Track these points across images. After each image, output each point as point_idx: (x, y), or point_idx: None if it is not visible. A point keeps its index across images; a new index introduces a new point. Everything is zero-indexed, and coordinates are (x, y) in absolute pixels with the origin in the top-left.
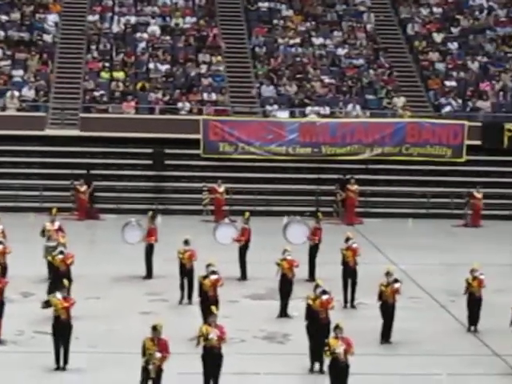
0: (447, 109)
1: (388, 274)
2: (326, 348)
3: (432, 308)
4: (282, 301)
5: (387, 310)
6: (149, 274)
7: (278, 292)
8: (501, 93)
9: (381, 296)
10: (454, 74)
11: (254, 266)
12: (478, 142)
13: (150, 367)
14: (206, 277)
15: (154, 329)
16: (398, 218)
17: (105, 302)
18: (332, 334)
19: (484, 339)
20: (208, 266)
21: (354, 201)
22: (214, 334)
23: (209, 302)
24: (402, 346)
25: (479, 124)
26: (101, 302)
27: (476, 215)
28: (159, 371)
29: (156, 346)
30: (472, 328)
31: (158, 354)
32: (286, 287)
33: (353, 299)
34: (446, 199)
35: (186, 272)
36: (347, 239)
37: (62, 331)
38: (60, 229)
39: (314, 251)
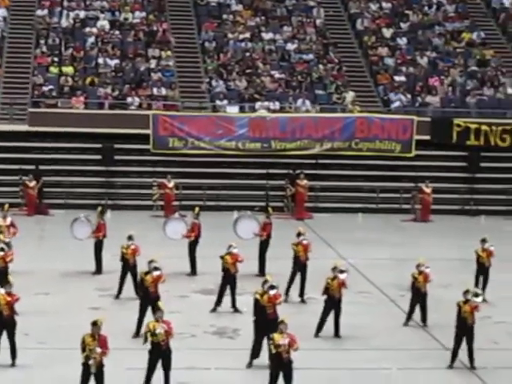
0: (396, 104)
1: (335, 268)
2: (270, 342)
3: (381, 303)
4: (220, 295)
5: (333, 305)
6: (98, 270)
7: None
8: (450, 88)
9: (327, 290)
10: (403, 69)
11: (203, 261)
12: (427, 137)
13: (91, 362)
14: (147, 273)
15: (94, 324)
16: (348, 213)
17: (54, 297)
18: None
19: (433, 333)
20: (150, 262)
21: (304, 196)
22: (161, 329)
23: (149, 299)
24: (351, 340)
25: (428, 119)
26: (50, 298)
27: (425, 210)
28: (100, 366)
29: (96, 341)
30: (409, 322)
31: (99, 350)
32: (228, 282)
33: (302, 294)
34: (395, 194)
35: (129, 267)
36: (298, 234)
37: (5, 327)
38: (12, 224)
39: (264, 246)
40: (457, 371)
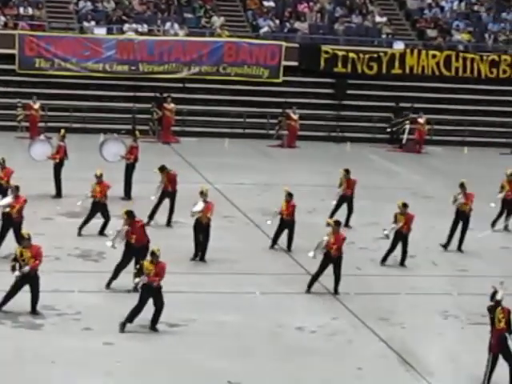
0: (265, 29)
1: (202, 193)
2: (138, 268)
3: (247, 227)
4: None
5: (201, 230)
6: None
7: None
8: (318, 14)
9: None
10: None
11: (69, 183)
12: (295, 64)
13: None
14: None
15: None
16: (215, 138)
17: None
18: (148, 258)
19: (297, 258)
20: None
21: (171, 119)
22: (28, 255)
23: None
24: (216, 264)
25: (296, 45)
26: None
27: (291, 136)
28: None
29: None
30: (276, 247)
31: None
32: (97, 208)
33: (170, 219)
34: (262, 119)
35: None
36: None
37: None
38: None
39: (130, 169)
40: (320, 296)
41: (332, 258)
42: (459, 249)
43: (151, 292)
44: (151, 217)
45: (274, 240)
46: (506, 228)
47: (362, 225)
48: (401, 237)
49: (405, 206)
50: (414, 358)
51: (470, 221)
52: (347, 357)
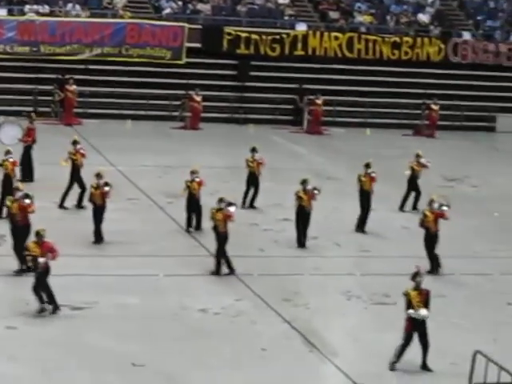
0: (167, 11)
1: (98, 175)
2: (27, 252)
3: (150, 209)
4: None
5: (97, 213)
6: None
7: None
8: None
9: (91, 198)
10: None
11: None
12: (198, 45)
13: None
14: None
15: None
16: (117, 120)
17: None
18: (33, 239)
19: (200, 240)
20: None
21: (73, 101)
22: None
23: None
24: (119, 246)
25: (199, 27)
26: None
27: (194, 118)
28: None
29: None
30: (190, 229)
31: None
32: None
33: (80, 203)
34: (165, 101)
35: None
36: (74, 142)
37: None
38: None
39: (28, 152)
40: (224, 278)
41: (220, 234)
42: (362, 230)
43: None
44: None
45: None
46: (414, 208)
47: (266, 206)
48: (302, 213)
49: (304, 182)
50: (318, 339)
51: (371, 201)
52: (251, 338)
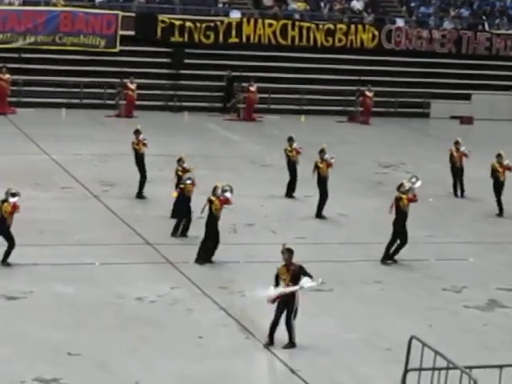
0: None
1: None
2: None
3: (85, 198)
4: None
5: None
6: None
7: None
8: None
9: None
10: None
11: None
12: (132, 33)
13: None
14: None
15: None
16: (52, 108)
17: None
18: None
19: (136, 228)
20: None
21: (6, 90)
22: None
23: None
24: (53, 235)
25: (133, 14)
26: None
27: (129, 106)
28: None
29: None
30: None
31: None
32: None
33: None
34: (99, 89)
35: None
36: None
37: None
38: None
39: None
40: (159, 265)
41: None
42: (320, 215)
43: None
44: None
45: None
46: None
47: (201, 193)
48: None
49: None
50: (254, 326)
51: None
52: (188, 326)
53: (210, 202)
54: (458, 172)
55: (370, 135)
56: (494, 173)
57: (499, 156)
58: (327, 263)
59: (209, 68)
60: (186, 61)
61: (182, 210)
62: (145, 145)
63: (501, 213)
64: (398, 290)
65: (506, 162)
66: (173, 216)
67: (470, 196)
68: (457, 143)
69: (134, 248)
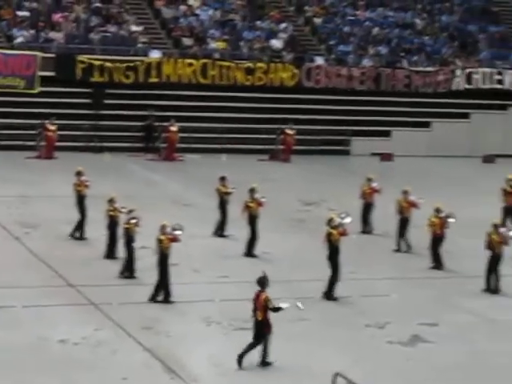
0: (20, 39)
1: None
2: None
3: (6, 240)
4: None
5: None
6: None
7: None
8: (74, 24)
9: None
10: (27, 4)
11: None
12: (52, 74)
13: None
14: None
15: None
16: None
17: None
18: None
19: (58, 270)
20: None
21: None
22: None
23: None
24: None
25: (52, 55)
26: None
27: (49, 147)
28: None
29: None
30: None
31: None
32: None
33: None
34: (19, 131)
35: None
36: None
37: None
38: None
39: None
40: (82, 307)
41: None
42: (251, 254)
43: None
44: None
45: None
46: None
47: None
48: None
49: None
50: (179, 366)
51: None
52: (112, 367)
53: (159, 241)
54: (368, 208)
55: (291, 173)
56: (400, 209)
57: (405, 192)
58: (251, 302)
59: (129, 108)
60: (107, 101)
61: (127, 250)
62: (86, 186)
63: (398, 248)
64: (323, 326)
65: (411, 197)
66: (108, 256)
67: (391, 232)
68: (369, 180)
69: (56, 290)
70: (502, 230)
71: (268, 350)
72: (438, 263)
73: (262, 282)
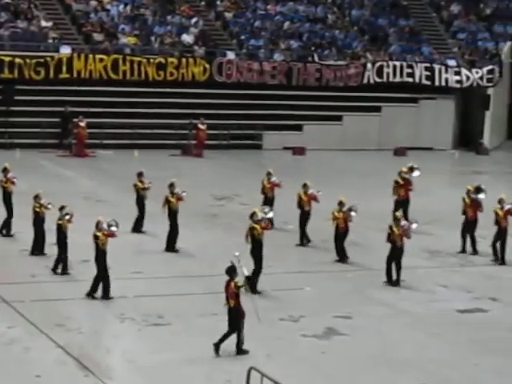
0: None
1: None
2: None
3: None
4: None
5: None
6: None
7: None
8: None
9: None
10: None
11: None
12: None
13: None
14: None
15: None
16: None
17: None
18: None
19: None
20: None
21: None
22: None
23: None
24: None
25: None
26: None
27: None
28: None
29: None
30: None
31: None
32: None
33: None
34: None
35: None
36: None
37: None
38: None
39: None
40: None
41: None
42: (173, 249)
43: None
44: None
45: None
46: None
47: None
48: None
49: None
50: (93, 363)
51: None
52: (25, 365)
53: (96, 237)
54: (269, 202)
55: (203, 168)
56: (300, 202)
57: (305, 186)
58: (164, 297)
59: (39, 104)
60: (17, 97)
61: (59, 246)
62: (13, 183)
63: (301, 242)
64: None
65: (310, 191)
66: (34, 253)
67: (294, 225)
68: (269, 174)
69: None
70: (404, 223)
71: (242, 337)
72: (342, 256)
73: (231, 271)
